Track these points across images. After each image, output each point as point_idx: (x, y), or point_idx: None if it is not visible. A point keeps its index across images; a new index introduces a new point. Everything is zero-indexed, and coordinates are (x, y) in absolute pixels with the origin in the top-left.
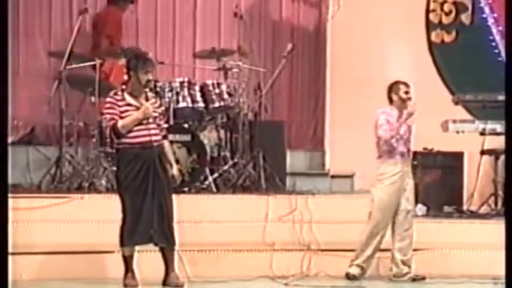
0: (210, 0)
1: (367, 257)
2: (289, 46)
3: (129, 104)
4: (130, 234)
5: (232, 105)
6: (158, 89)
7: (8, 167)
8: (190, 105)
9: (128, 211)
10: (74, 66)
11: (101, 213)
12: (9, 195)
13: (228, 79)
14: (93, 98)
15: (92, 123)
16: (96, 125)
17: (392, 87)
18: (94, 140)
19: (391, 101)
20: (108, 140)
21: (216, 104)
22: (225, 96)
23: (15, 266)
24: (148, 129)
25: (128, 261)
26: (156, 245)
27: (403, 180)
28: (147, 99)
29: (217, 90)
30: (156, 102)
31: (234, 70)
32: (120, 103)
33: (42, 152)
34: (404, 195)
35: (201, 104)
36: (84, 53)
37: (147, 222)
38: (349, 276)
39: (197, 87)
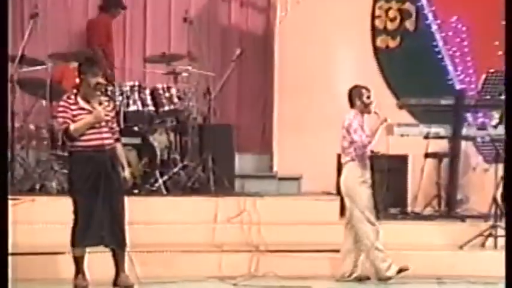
0: (160, 5)
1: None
2: (238, 51)
3: (81, 108)
4: (82, 236)
5: (182, 108)
6: (109, 93)
7: (7, 169)
8: (140, 108)
9: (80, 213)
10: (25, 69)
11: (51, 215)
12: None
13: (178, 83)
14: (44, 102)
15: (43, 126)
16: (47, 128)
17: (354, 92)
18: (45, 142)
19: (352, 105)
20: (60, 143)
21: (166, 108)
22: (175, 100)
23: None
24: (101, 132)
25: (78, 262)
26: (106, 246)
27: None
28: (100, 103)
29: (167, 94)
30: (108, 105)
31: (183, 74)
32: (72, 107)
33: None
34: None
35: (151, 108)
36: (36, 57)
37: (98, 224)
38: (360, 279)
39: (147, 91)
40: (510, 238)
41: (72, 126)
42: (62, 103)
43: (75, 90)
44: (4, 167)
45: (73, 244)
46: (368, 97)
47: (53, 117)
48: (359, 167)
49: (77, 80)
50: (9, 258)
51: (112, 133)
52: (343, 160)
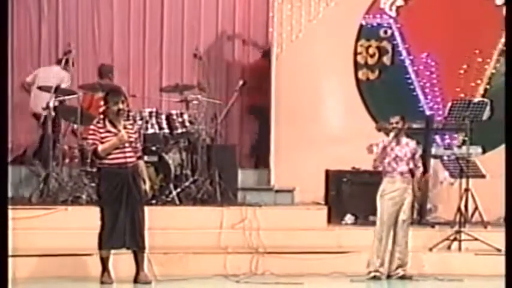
0: (174, 43)
1: (383, 260)
2: (241, 82)
3: (108, 131)
4: (107, 240)
5: (193, 131)
6: (130, 118)
7: (8, 172)
8: (157, 131)
9: (106, 220)
10: (60, 98)
11: (82, 222)
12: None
13: (189, 109)
14: (75, 126)
15: (75, 146)
16: (78, 148)
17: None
18: (76, 160)
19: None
20: (89, 161)
21: (179, 131)
22: (187, 124)
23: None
24: (124, 152)
25: (104, 262)
26: (128, 248)
27: (401, 196)
28: (124, 127)
29: (180, 119)
30: (132, 129)
31: (194, 102)
32: (101, 130)
33: (32, 171)
34: (402, 209)
35: (167, 130)
36: (69, 88)
37: (121, 230)
38: (373, 278)
39: (163, 116)
40: (510, 238)
41: (100, 147)
42: (91, 127)
43: (102, 116)
44: (4, 172)
45: (100, 247)
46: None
47: (83, 139)
48: (386, 181)
49: (103, 108)
50: (43, 259)
51: (135, 152)
52: None
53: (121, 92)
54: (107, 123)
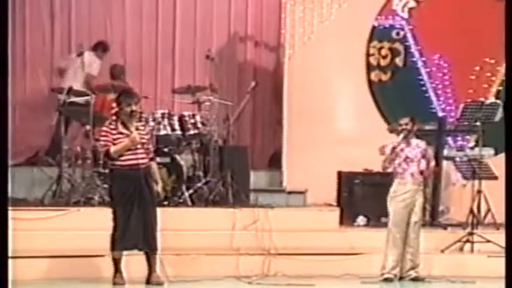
0: (186, 45)
1: (396, 262)
2: (253, 83)
3: (120, 133)
4: (120, 241)
5: (205, 133)
6: (143, 119)
7: (8, 172)
8: (170, 132)
9: (118, 221)
10: (72, 100)
11: (94, 223)
12: (17, 208)
13: (201, 111)
14: (87, 127)
15: (87, 147)
16: (90, 149)
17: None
18: (89, 161)
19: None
20: (102, 162)
21: (192, 132)
22: (199, 125)
23: (20, 268)
24: (136, 153)
25: (117, 263)
26: (140, 250)
27: (412, 197)
28: (136, 128)
29: (192, 120)
30: (144, 130)
31: (206, 103)
32: (113, 131)
33: (45, 172)
34: (414, 210)
35: (179, 132)
36: (81, 89)
37: (133, 231)
38: (386, 279)
39: (176, 118)
40: (510, 238)
41: (112, 149)
42: (104, 128)
43: (114, 117)
44: (4, 172)
45: (112, 248)
46: (405, 124)
47: (96, 140)
48: (397, 183)
49: (115, 109)
50: (55, 260)
51: (147, 153)
52: None
53: (134, 94)
54: (119, 124)
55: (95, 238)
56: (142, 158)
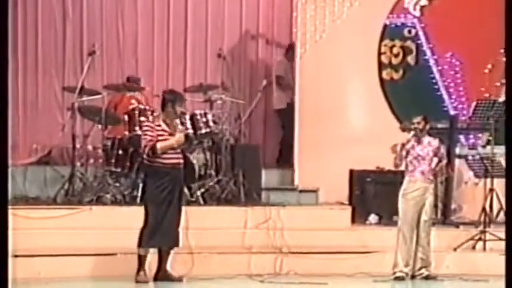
0: (198, 43)
1: (406, 260)
2: (264, 82)
3: (163, 130)
4: (149, 238)
5: (217, 131)
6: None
7: (8, 172)
8: None
9: (150, 219)
10: (84, 99)
11: (106, 222)
12: (30, 206)
13: (213, 109)
14: (99, 126)
15: (99, 146)
16: (102, 148)
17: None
18: (101, 160)
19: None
20: (113, 161)
21: (203, 131)
22: (211, 124)
23: (33, 266)
24: (178, 153)
25: (141, 260)
26: (167, 248)
27: (422, 195)
28: (175, 129)
29: (204, 119)
30: (182, 131)
31: (218, 102)
32: (157, 128)
33: (57, 171)
34: (424, 209)
35: (191, 130)
36: (93, 88)
37: (165, 230)
38: (397, 278)
39: (187, 116)
40: (510, 238)
41: (159, 145)
42: (147, 123)
43: (156, 113)
44: (4, 172)
45: (139, 244)
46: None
47: (108, 138)
48: (407, 181)
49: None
50: (67, 259)
51: (182, 153)
52: None
53: (183, 95)
54: (161, 122)
55: (106, 237)
56: (181, 158)
